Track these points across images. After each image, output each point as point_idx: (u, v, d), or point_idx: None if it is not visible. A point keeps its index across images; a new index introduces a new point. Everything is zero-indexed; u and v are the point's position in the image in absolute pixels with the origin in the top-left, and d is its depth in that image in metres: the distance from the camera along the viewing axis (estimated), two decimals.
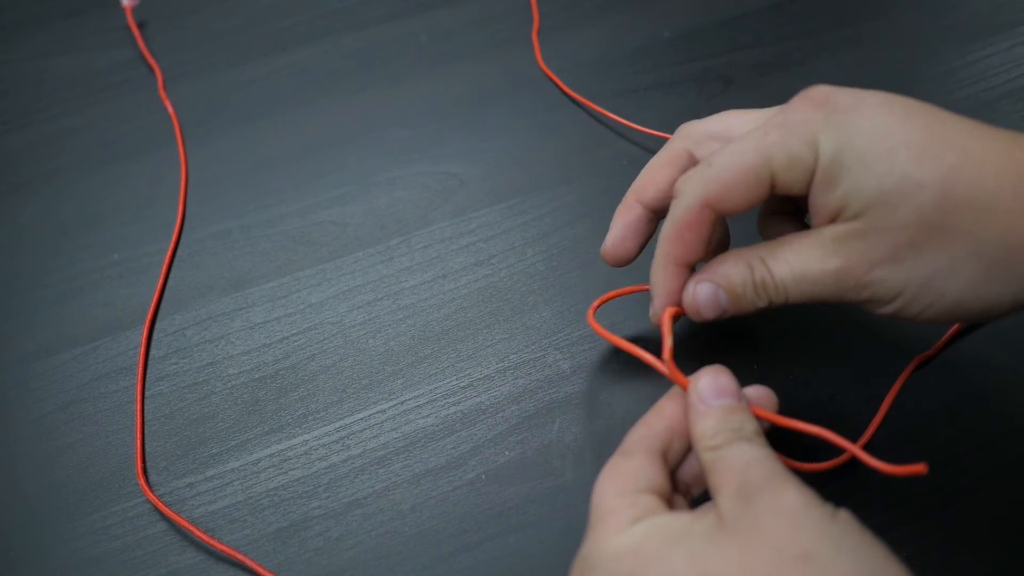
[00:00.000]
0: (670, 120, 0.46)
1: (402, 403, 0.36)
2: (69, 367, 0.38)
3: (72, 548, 0.33)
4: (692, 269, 0.30)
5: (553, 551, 0.32)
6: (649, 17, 0.52)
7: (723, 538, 0.23)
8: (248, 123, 0.48)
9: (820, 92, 0.27)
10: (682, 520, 0.24)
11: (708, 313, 0.30)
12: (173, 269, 0.42)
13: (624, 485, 0.26)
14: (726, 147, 0.28)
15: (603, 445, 0.34)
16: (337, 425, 0.35)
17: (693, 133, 0.32)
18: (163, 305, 0.40)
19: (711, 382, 0.27)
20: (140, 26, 0.54)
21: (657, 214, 0.33)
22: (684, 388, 0.28)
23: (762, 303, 0.29)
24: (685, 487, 0.28)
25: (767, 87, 0.47)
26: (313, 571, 0.32)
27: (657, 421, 0.28)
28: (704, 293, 0.29)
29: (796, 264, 0.27)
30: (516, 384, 0.36)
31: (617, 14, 0.53)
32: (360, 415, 0.36)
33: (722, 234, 0.33)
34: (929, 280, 0.26)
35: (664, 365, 0.28)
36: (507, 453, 0.34)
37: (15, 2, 0.57)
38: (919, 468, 0.24)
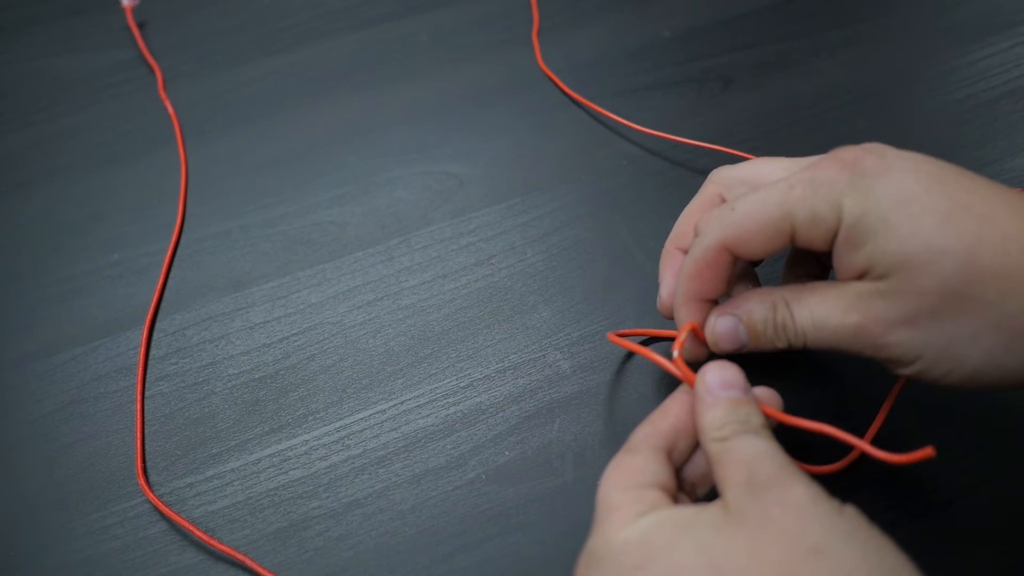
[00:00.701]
0: (670, 120, 0.46)
1: (402, 403, 0.36)
2: (69, 367, 0.38)
3: (72, 548, 0.33)
4: (715, 302, 0.31)
5: (553, 551, 0.32)
6: (649, 17, 0.52)
7: (731, 529, 0.23)
8: (248, 123, 0.48)
9: (850, 154, 0.28)
10: (687, 512, 0.24)
11: (726, 345, 0.30)
12: (173, 269, 0.42)
13: (629, 480, 0.26)
14: (751, 194, 0.28)
15: (603, 445, 0.34)
16: (337, 425, 0.35)
17: (725, 178, 0.33)
18: (163, 305, 0.40)
19: (718, 374, 0.27)
20: (140, 26, 0.54)
21: None
22: (691, 384, 0.28)
23: (781, 344, 0.29)
24: (690, 486, 0.28)
25: (767, 87, 0.47)
26: (313, 571, 0.32)
27: (662, 420, 0.28)
28: (724, 326, 0.30)
29: (818, 312, 0.28)
30: (516, 384, 0.36)
31: (617, 14, 0.53)
32: (360, 415, 0.36)
33: (745, 269, 0.34)
34: (948, 347, 0.26)
35: (672, 363, 0.28)
36: (507, 453, 0.34)
37: (15, 2, 0.57)
38: (927, 452, 0.24)
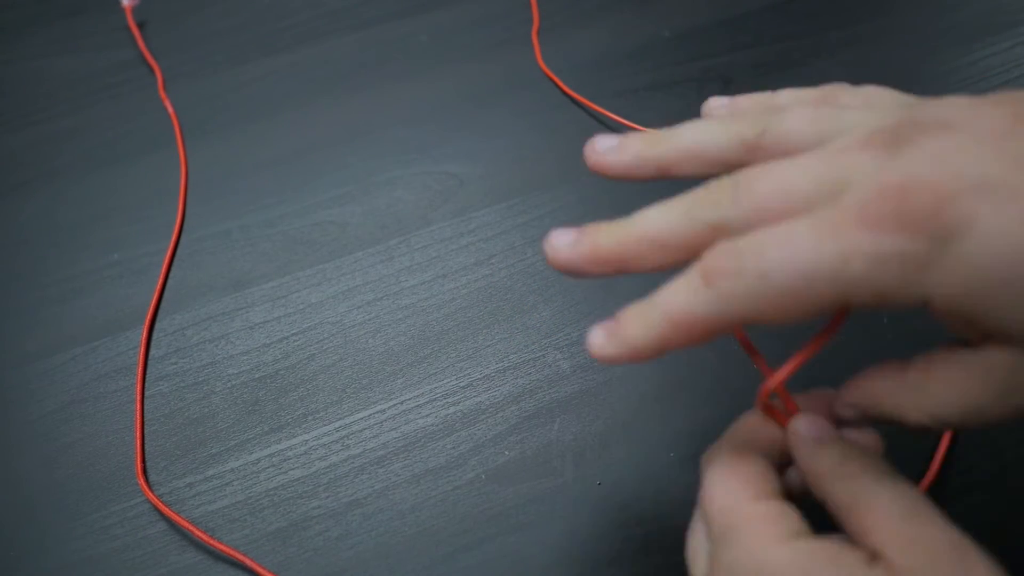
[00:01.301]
0: (670, 120, 0.46)
1: (402, 403, 0.36)
2: (69, 367, 0.38)
3: (72, 548, 0.33)
4: None
5: (553, 551, 0.32)
6: (649, 17, 0.52)
7: None
8: (248, 123, 0.48)
9: (924, 192, 0.19)
10: (849, 556, 0.21)
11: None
12: (173, 269, 0.42)
13: (759, 489, 0.23)
14: (777, 264, 0.20)
15: (603, 445, 0.34)
16: (337, 425, 0.35)
17: (728, 220, 0.22)
18: (163, 305, 0.40)
19: (815, 422, 0.24)
20: (140, 26, 0.54)
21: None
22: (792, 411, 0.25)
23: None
24: None
25: (767, 87, 0.47)
26: (313, 571, 0.32)
27: (760, 428, 0.25)
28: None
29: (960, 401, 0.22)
30: (516, 384, 0.36)
31: (617, 14, 0.53)
32: (360, 415, 0.36)
33: None
34: None
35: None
36: (507, 453, 0.34)
37: (15, 2, 0.57)
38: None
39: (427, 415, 0.35)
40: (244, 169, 0.46)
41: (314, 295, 0.40)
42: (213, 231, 0.43)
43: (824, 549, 0.21)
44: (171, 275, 0.41)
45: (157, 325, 0.39)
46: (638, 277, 0.40)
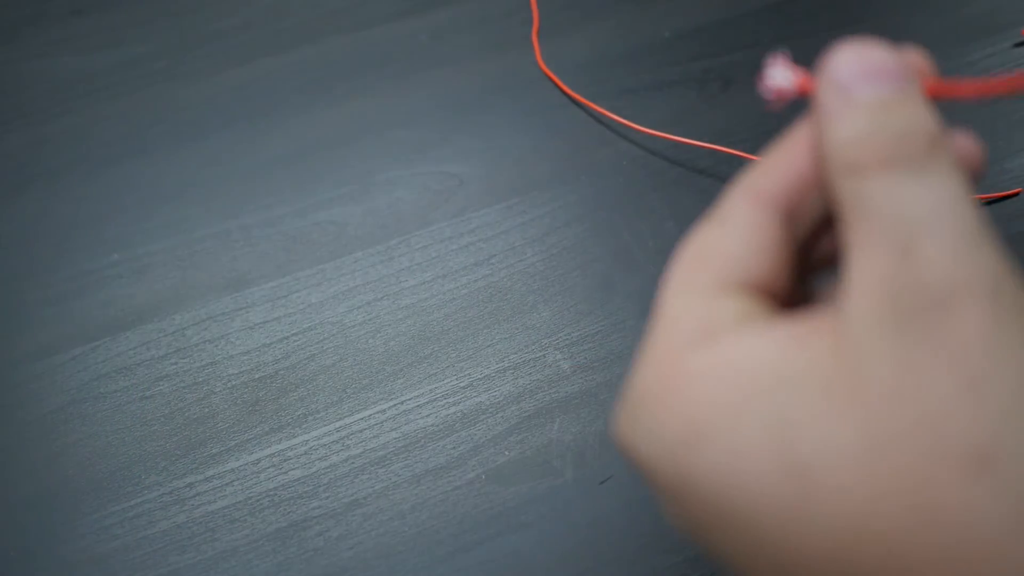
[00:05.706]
0: (670, 120, 0.46)
1: (402, 403, 0.36)
2: (69, 367, 0.38)
3: (72, 548, 0.33)
4: None
5: (553, 551, 0.32)
6: (649, 17, 0.52)
7: (844, 390, 0.12)
8: (248, 123, 0.48)
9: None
10: (789, 345, 0.13)
11: None
12: (173, 269, 0.42)
13: (704, 276, 0.15)
14: None
15: (603, 445, 0.34)
16: (337, 425, 0.35)
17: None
18: (163, 305, 0.40)
19: (855, 57, 0.15)
20: (141, 26, 0.54)
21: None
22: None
23: None
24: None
25: None
26: (313, 571, 0.32)
27: (784, 160, 0.16)
28: None
29: None
30: (516, 384, 0.36)
31: (617, 14, 0.53)
32: (360, 415, 0.36)
33: None
34: None
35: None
36: (507, 453, 0.34)
37: (15, 2, 0.57)
38: None
39: (427, 415, 0.35)
40: (244, 169, 0.46)
41: (314, 295, 0.40)
42: (213, 231, 0.43)
43: (756, 348, 0.14)
44: (171, 275, 0.41)
45: (157, 325, 0.39)
46: (637, 283, 0.40)
